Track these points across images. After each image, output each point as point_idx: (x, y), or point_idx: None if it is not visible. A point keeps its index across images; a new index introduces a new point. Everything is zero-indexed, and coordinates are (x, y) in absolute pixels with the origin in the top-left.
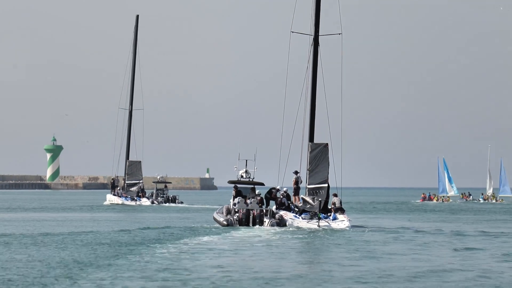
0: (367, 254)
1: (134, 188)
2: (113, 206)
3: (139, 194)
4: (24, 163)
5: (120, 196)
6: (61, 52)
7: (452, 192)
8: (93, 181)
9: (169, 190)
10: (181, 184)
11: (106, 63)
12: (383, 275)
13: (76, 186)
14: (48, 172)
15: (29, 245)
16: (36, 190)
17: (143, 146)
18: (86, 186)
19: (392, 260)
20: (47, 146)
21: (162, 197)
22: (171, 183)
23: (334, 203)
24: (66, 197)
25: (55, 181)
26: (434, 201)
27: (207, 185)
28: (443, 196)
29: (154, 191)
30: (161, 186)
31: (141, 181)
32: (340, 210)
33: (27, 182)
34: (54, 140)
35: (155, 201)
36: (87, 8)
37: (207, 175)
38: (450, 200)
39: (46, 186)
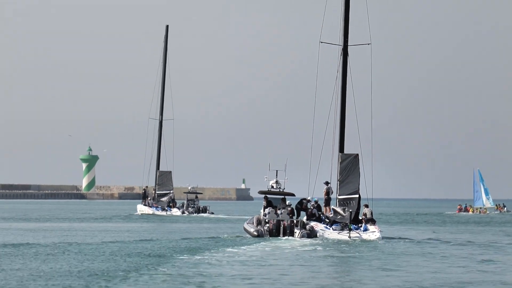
0: (397, 267)
1: (164, 198)
2: (143, 216)
3: (170, 204)
4: (60, 173)
5: (150, 206)
6: (91, 62)
7: (488, 203)
8: (129, 191)
9: (200, 201)
10: (217, 194)
11: (136, 73)
12: None
13: (112, 196)
14: (84, 182)
15: (48, 255)
16: (72, 200)
17: (174, 156)
18: (122, 196)
19: (421, 273)
20: (83, 156)
21: (193, 207)
22: (202, 193)
23: (365, 214)
24: (98, 207)
25: (91, 191)
26: (470, 212)
27: (243, 195)
28: (480, 208)
29: (185, 201)
30: (192, 196)
31: (171, 191)
32: (371, 221)
33: (63, 192)
34: (90, 150)
35: (185, 211)
36: (118, 19)
37: (243, 186)
38: (487, 212)
39: (82, 196)
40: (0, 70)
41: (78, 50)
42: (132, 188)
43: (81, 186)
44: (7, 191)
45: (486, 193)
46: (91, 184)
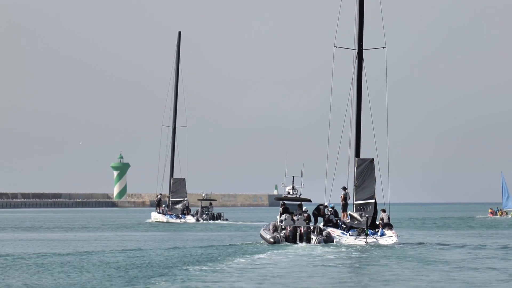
0: (413, 276)
1: (179, 206)
2: (155, 224)
3: (184, 211)
4: (91, 181)
5: (165, 214)
6: (103, 70)
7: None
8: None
9: (214, 208)
10: (249, 201)
11: (149, 80)
12: None
13: (143, 204)
14: (115, 190)
15: (44, 266)
16: (102, 208)
17: (189, 163)
18: (153, 204)
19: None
20: (114, 164)
21: (207, 214)
22: (216, 200)
23: (382, 219)
24: (116, 215)
25: (122, 199)
26: (499, 215)
27: (275, 202)
28: (507, 211)
29: (199, 208)
30: (206, 203)
31: (185, 198)
32: (388, 225)
33: (94, 200)
34: (121, 157)
35: (200, 219)
36: (130, 26)
37: (275, 192)
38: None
39: (113, 204)
40: (29, 80)
41: (90, 57)
42: (164, 196)
43: (113, 194)
44: (38, 200)
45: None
46: (122, 192)
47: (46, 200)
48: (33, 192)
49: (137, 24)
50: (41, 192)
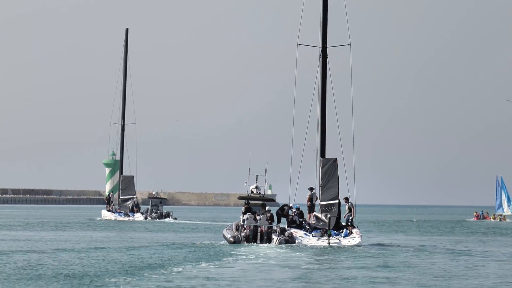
0: (370, 279)
1: (128, 203)
2: (99, 223)
3: (134, 209)
4: (82, 178)
5: (114, 212)
6: (52, 66)
7: (509, 211)
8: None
9: (164, 206)
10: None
11: (97, 78)
12: None
13: None
14: (107, 187)
15: None
16: (92, 206)
17: (137, 160)
18: (145, 202)
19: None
20: (106, 161)
21: (156, 212)
22: (166, 199)
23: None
24: (64, 213)
25: (114, 196)
26: (491, 219)
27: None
28: (500, 215)
29: (149, 206)
30: (156, 201)
31: (135, 196)
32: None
33: (85, 197)
34: (113, 154)
35: (148, 217)
36: (77, 23)
37: (269, 192)
38: (507, 220)
39: (105, 202)
40: (17, 75)
41: (36, 54)
42: (156, 193)
43: (104, 192)
44: (28, 196)
45: (508, 200)
46: (114, 189)
47: (36, 196)
48: (23, 188)
49: (84, 20)
50: (32, 188)
